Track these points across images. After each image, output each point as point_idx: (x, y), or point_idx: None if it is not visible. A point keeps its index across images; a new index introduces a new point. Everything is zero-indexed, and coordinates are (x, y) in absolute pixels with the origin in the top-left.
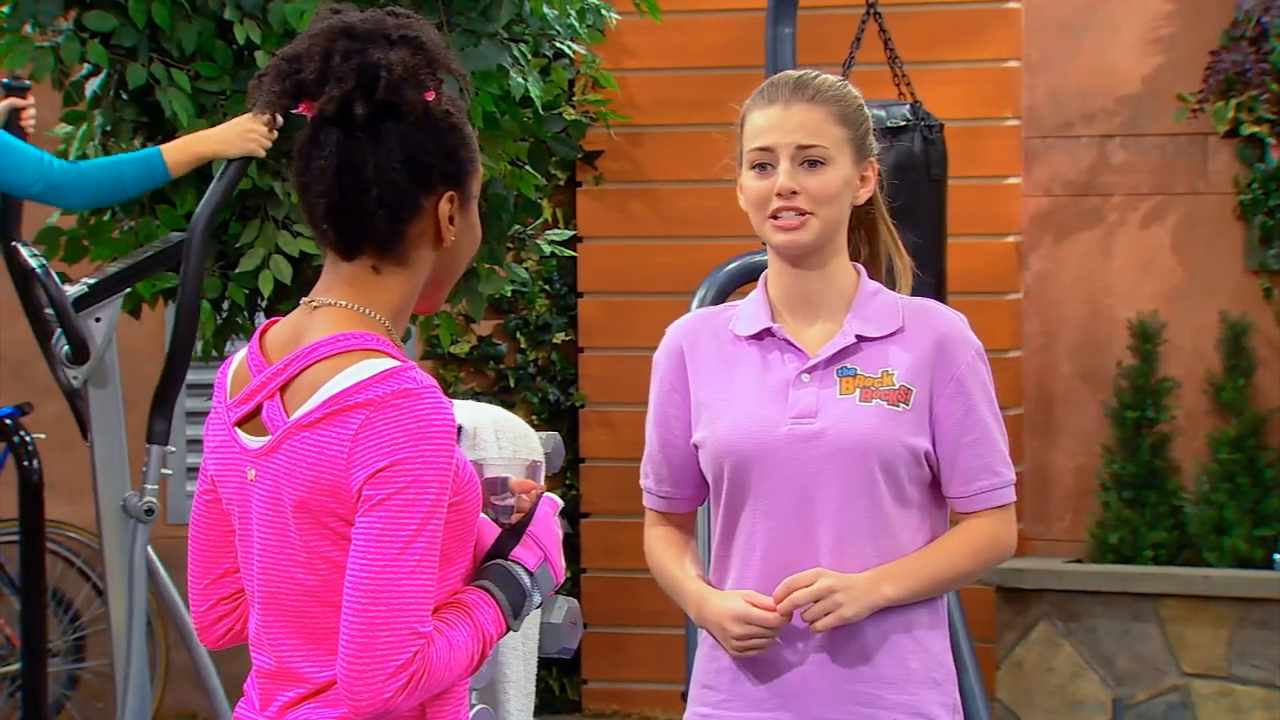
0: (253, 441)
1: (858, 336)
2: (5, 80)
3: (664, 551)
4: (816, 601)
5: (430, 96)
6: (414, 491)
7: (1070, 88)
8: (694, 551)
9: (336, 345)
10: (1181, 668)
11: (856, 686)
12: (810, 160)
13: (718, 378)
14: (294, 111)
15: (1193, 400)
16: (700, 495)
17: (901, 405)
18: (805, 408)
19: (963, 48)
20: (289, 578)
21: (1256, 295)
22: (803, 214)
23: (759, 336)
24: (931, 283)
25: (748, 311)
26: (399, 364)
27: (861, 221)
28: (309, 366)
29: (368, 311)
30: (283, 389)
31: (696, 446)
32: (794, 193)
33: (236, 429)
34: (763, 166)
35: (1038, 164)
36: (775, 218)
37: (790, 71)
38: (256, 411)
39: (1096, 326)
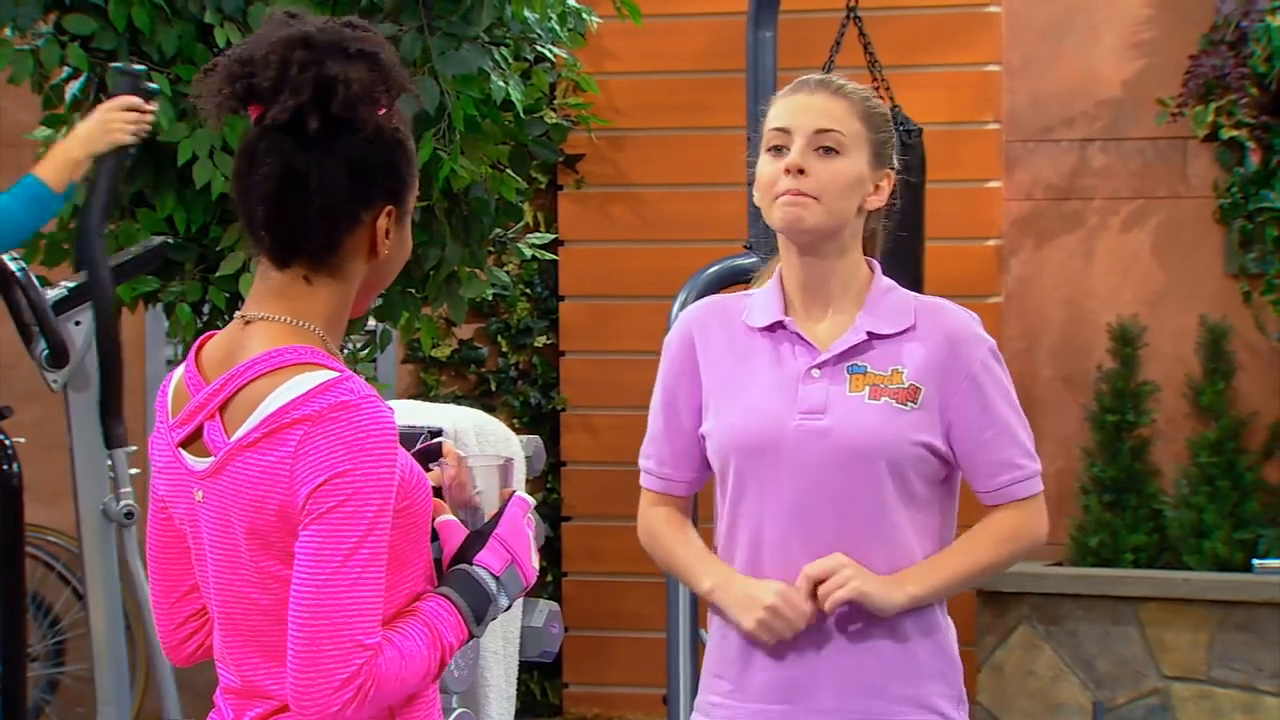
0: (197, 463)
1: (869, 333)
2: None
3: (671, 532)
4: (829, 578)
5: (381, 112)
6: (355, 504)
7: (1051, 92)
8: (698, 535)
9: (272, 361)
10: (1161, 671)
11: (863, 678)
12: (825, 147)
13: (728, 369)
14: (239, 114)
15: (1173, 404)
16: (697, 482)
17: (909, 404)
18: (814, 403)
19: (943, 51)
20: (243, 597)
21: (1236, 299)
22: (808, 196)
23: (771, 329)
24: (909, 287)
25: (761, 302)
26: (336, 375)
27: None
28: (245, 385)
29: (301, 323)
30: (222, 409)
31: (704, 436)
32: (802, 171)
33: (180, 450)
34: (778, 149)
35: (1018, 168)
36: (781, 198)
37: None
38: (199, 432)
39: (1077, 330)
